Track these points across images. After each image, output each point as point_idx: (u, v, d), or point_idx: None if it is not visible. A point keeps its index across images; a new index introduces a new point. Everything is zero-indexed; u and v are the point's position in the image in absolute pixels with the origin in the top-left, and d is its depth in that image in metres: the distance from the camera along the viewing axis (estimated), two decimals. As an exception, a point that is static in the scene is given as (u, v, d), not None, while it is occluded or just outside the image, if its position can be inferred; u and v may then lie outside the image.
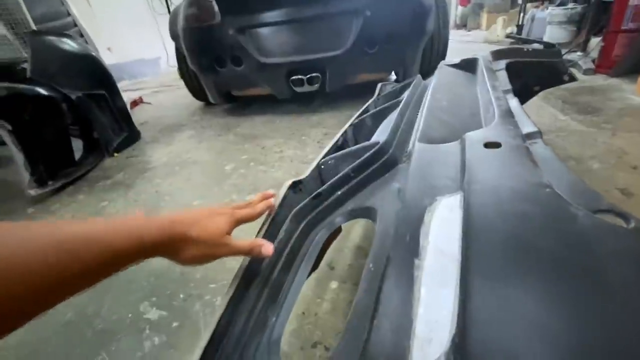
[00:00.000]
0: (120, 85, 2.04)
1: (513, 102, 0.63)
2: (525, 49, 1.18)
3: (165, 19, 5.48)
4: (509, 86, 0.76)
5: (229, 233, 0.42)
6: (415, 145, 0.52)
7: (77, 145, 1.78)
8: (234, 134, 2.03)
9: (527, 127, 0.52)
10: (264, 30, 1.90)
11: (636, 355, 0.21)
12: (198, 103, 2.86)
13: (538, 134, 0.51)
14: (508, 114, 0.54)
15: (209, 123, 2.33)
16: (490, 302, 0.26)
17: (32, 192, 1.43)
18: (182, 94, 3.30)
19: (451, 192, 0.39)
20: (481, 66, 0.91)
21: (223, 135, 2.04)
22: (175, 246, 0.37)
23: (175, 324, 0.78)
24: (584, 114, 1.67)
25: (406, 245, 0.33)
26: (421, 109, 0.70)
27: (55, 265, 0.25)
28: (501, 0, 5.08)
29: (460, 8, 6.04)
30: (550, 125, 1.59)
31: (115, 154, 1.91)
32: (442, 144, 0.50)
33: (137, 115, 2.67)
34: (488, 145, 0.44)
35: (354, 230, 1.01)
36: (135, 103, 3.08)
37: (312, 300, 0.81)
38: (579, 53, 2.64)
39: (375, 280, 0.33)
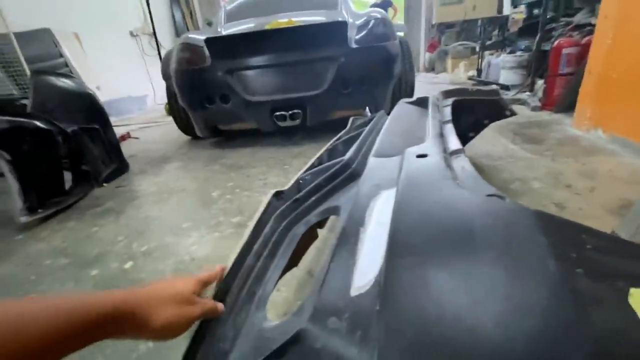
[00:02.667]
0: None
1: (447, 128, 0.81)
2: (470, 89, 1.42)
3: (153, 60, 5.77)
4: (449, 118, 0.96)
5: (195, 292, 0.40)
6: (370, 159, 0.67)
7: (67, 177, 1.85)
8: (220, 164, 2.17)
9: (453, 146, 0.69)
10: (250, 72, 2.13)
11: (511, 294, 0.35)
12: (184, 137, 3.00)
13: (461, 150, 0.68)
14: (439, 136, 0.72)
15: (196, 155, 2.46)
16: (406, 249, 0.40)
17: (23, 219, 1.48)
18: (168, 129, 3.45)
19: (390, 187, 0.54)
20: (430, 102, 1.12)
21: (209, 166, 2.17)
22: (143, 312, 0.33)
23: (168, 328, 0.85)
24: (530, 144, 1.93)
25: (356, 220, 0.48)
26: (379, 135, 0.87)
27: (16, 339, 0.25)
28: (463, 48, 5.72)
29: (427, 54, 6.71)
30: (502, 153, 1.82)
31: (105, 185, 1.98)
32: (389, 158, 0.66)
33: (125, 150, 2.76)
34: (419, 156, 0.60)
35: (329, 243, 1.14)
36: (122, 138, 3.19)
37: (293, 302, 0.91)
38: (527, 93, 3.02)
39: (333, 247, 0.46)
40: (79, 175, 1.91)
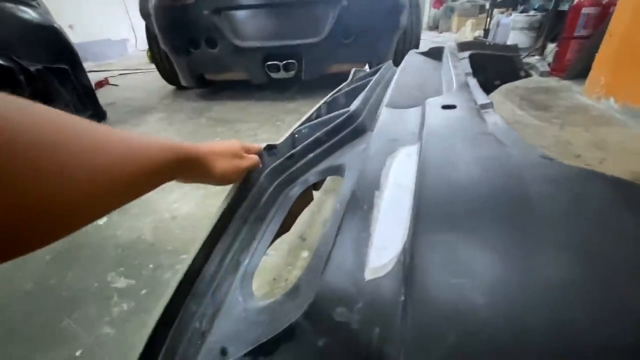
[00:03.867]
0: (84, 66, 1.94)
1: (471, 80, 0.69)
2: (488, 43, 1.27)
3: (136, 1, 5.22)
4: (469, 70, 0.83)
5: (243, 149, 0.47)
6: (383, 110, 0.56)
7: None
8: (207, 118, 2.00)
9: (480, 99, 0.58)
10: (240, 13, 1.89)
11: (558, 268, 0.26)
12: (169, 87, 2.77)
13: (490, 104, 0.57)
14: (465, 86, 0.60)
15: (181, 107, 2.27)
16: (435, 216, 0.30)
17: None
18: (151, 77, 3.18)
19: (411, 143, 0.44)
20: (446, 54, 0.98)
21: (195, 119, 2.00)
22: (206, 160, 0.38)
23: (144, 291, 0.78)
24: (538, 110, 1.82)
25: (369, 182, 0.37)
26: (390, 84, 0.75)
27: (104, 173, 0.23)
28: (471, 6, 5.33)
29: (433, 10, 6.27)
30: (509, 118, 1.72)
31: (79, 133, 1.81)
32: (406, 109, 0.55)
33: (103, 97, 2.54)
34: (445, 107, 0.49)
35: (326, 205, 1.05)
36: (100, 84, 2.93)
37: (284, 268, 0.83)
38: (536, 57, 2.85)
39: (340, 212, 0.36)
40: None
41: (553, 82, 2.42)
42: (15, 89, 1.48)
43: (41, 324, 0.71)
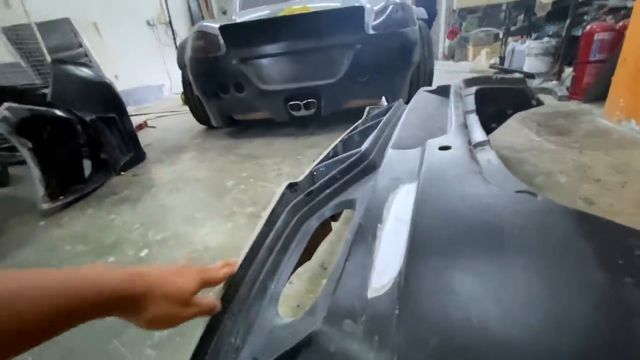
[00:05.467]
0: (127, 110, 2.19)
1: (471, 118, 0.76)
2: (494, 78, 1.34)
3: (170, 49, 5.81)
4: (472, 107, 0.90)
5: (195, 293, 0.38)
6: (388, 151, 0.64)
7: (86, 165, 1.89)
8: (234, 154, 2.17)
9: (478, 137, 0.65)
10: (264, 61, 2.09)
11: (532, 291, 0.32)
12: (200, 127, 3.02)
13: (486, 142, 0.64)
14: (463, 126, 0.67)
15: (211, 145, 2.47)
16: (426, 246, 0.37)
17: (45, 205, 1.52)
18: (184, 119, 3.48)
19: (410, 181, 0.51)
20: (452, 92, 1.06)
21: (224, 156, 2.17)
22: (137, 303, 0.33)
23: (181, 317, 0.86)
24: (556, 135, 1.83)
25: (373, 215, 0.45)
26: (397, 125, 0.83)
27: (10, 315, 0.25)
28: (485, 35, 5.47)
29: (447, 41, 6.47)
30: (526, 144, 1.74)
31: (122, 173, 2.02)
32: (409, 150, 0.63)
33: (142, 138, 2.80)
34: (441, 148, 0.57)
35: (344, 235, 1.11)
36: (139, 127, 3.24)
37: (306, 295, 0.89)
38: (554, 81, 2.87)
39: (349, 243, 0.44)
40: (98, 164, 1.95)
41: (572, 105, 2.41)
42: (73, 136, 1.71)
43: (94, 344, 0.80)
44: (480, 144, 0.64)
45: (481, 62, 4.92)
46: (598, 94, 2.27)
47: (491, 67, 4.52)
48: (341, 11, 2.04)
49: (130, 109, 3.29)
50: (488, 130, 1.63)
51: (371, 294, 0.34)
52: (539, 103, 1.46)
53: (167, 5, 4.73)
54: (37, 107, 1.53)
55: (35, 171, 1.50)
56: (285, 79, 2.12)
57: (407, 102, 2.17)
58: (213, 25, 2.16)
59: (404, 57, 2.16)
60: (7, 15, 3.66)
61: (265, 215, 0.62)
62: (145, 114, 4.04)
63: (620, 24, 2.35)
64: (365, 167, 0.69)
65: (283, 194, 0.66)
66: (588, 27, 2.43)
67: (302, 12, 2.01)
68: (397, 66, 2.17)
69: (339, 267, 0.40)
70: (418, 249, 0.37)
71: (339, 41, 2.02)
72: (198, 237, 1.22)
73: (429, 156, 0.55)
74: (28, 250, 1.27)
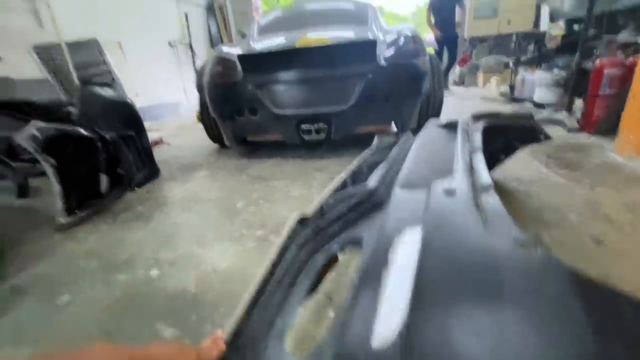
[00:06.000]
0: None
1: (477, 158, 0.79)
2: (501, 114, 1.37)
3: (188, 68, 6.04)
4: (479, 145, 0.93)
5: None
6: (395, 190, 0.67)
7: (102, 179, 1.96)
8: (246, 175, 2.22)
9: (483, 180, 0.67)
10: (279, 86, 2.18)
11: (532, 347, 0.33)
12: (213, 145, 3.10)
13: (491, 186, 0.66)
14: (468, 168, 0.70)
15: (223, 164, 2.53)
16: (430, 301, 0.39)
17: (62, 220, 1.58)
18: (198, 136, 3.58)
19: (415, 225, 0.53)
20: (459, 127, 1.09)
21: (235, 175, 2.22)
22: None
23: (187, 341, 0.88)
24: (566, 168, 1.83)
25: (379, 260, 0.47)
26: (405, 161, 0.86)
27: None
28: (495, 63, 5.56)
29: (458, 68, 6.58)
30: (534, 176, 1.74)
31: (136, 189, 2.08)
32: (415, 190, 0.65)
33: (157, 155, 2.90)
34: (446, 192, 0.59)
35: (352, 266, 1.13)
36: (155, 143, 3.34)
37: (313, 328, 0.90)
38: (564, 113, 2.88)
39: (355, 288, 0.46)
40: (114, 179, 2.02)
41: (582, 138, 2.42)
42: (94, 153, 1.79)
43: None
44: (485, 188, 0.66)
45: (491, 89, 4.98)
46: (608, 128, 2.28)
47: (501, 94, 4.57)
48: (355, 44, 2.13)
49: (147, 124, 3.41)
50: (496, 161, 1.65)
51: (376, 343, 0.36)
52: (547, 138, 1.48)
53: (188, 28, 4.97)
54: (63, 127, 1.62)
55: (56, 187, 1.56)
56: (298, 104, 2.19)
57: (417, 128, 2.23)
58: (232, 52, 2.28)
59: (413, 87, 2.22)
60: (39, 35, 3.90)
61: (274, 248, 0.65)
62: (161, 130, 4.18)
63: (630, 59, 2.38)
64: (373, 204, 0.72)
65: (292, 229, 0.69)
66: (598, 61, 2.47)
67: (318, 44, 2.10)
68: (407, 95, 2.23)
69: (344, 311, 0.42)
70: (421, 300, 0.39)
71: (351, 71, 2.10)
72: (207, 259, 1.25)
73: (433, 200, 0.58)
74: (44, 264, 1.31)
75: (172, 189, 2.07)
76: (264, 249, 1.29)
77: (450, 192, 0.59)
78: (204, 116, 2.73)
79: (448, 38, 5.20)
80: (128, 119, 2.12)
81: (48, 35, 3.87)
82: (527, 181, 1.69)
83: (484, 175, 0.70)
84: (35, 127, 1.47)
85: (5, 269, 1.28)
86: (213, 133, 2.79)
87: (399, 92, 2.19)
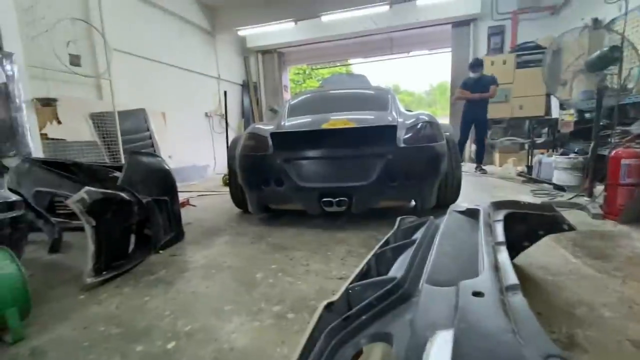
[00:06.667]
0: None
1: (502, 255, 0.82)
2: (522, 203, 1.41)
3: (219, 136, 6.55)
4: (502, 239, 0.96)
5: None
6: (424, 287, 0.69)
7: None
8: (266, 243, 2.26)
9: (509, 280, 0.69)
10: (305, 162, 2.35)
11: None
12: (235, 209, 3.22)
13: (517, 286, 0.68)
14: (494, 268, 0.72)
15: (245, 230, 2.60)
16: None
17: (89, 280, 1.63)
18: (223, 199, 3.76)
19: (446, 328, 0.55)
20: (481, 217, 1.13)
21: (256, 243, 2.27)
22: None
23: None
24: (594, 259, 1.77)
25: (412, 364, 0.48)
26: (431, 251, 0.90)
27: None
28: (510, 143, 5.77)
29: (474, 146, 6.84)
30: (561, 267, 1.69)
31: (160, 252, 2.15)
32: (444, 288, 0.68)
33: (183, 216, 3.03)
34: (475, 294, 0.61)
35: (373, 354, 1.08)
36: (182, 204, 3.51)
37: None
38: (586, 198, 2.87)
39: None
40: (141, 240, 2.11)
41: (609, 226, 2.37)
42: (130, 216, 1.91)
43: None
44: (512, 288, 0.68)
45: (509, 169, 5.10)
46: (635, 217, 2.24)
47: (519, 174, 4.64)
48: (376, 128, 2.33)
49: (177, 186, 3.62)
50: (521, 248, 1.63)
51: None
52: (571, 228, 1.48)
53: (225, 103, 5.57)
54: (108, 191, 1.77)
55: (90, 246, 1.65)
56: (322, 179, 2.33)
57: (433, 209, 2.25)
58: (265, 129, 2.53)
59: (432, 168, 2.33)
60: (98, 105, 4.47)
61: (303, 338, 0.66)
62: (189, 192, 4.41)
63: (646, 150, 2.44)
64: (400, 296, 0.74)
65: (320, 317, 0.71)
66: (613, 152, 2.54)
67: (342, 127, 2.32)
68: (425, 175, 2.33)
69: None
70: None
71: (372, 151, 2.26)
72: (224, 334, 1.23)
73: (463, 302, 0.60)
74: (65, 326, 1.33)
75: (194, 254, 2.12)
76: (283, 327, 1.27)
77: (478, 294, 0.61)
78: (231, 183, 2.91)
79: (477, 120, 5.29)
80: (165, 184, 2.30)
81: (105, 105, 4.44)
82: (554, 271, 1.63)
83: (510, 274, 0.72)
84: (85, 192, 1.63)
85: (29, 329, 1.30)
86: (238, 199, 2.93)
87: (417, 172, 2.30)
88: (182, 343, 1.19)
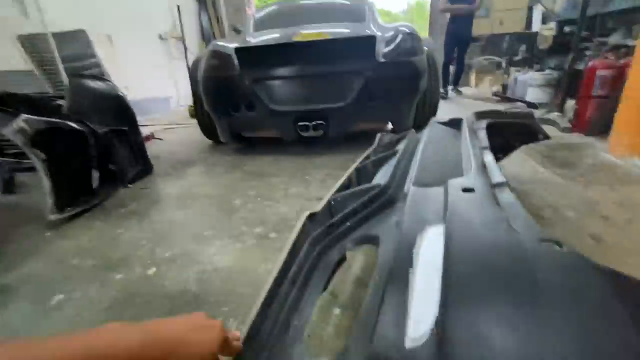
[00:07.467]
0: None
1: (488, 157, 0.78)
2: (504, 111, 1.38)
3: (179, 63, 5.91)
4: (486, 143, 0.93)
5: (216, 356, 0.38)
6: (410, 188, 0.66)
7: (94, 175, 1.90)
8: (242, 171, 2.18)
9: (496, 178, 0.67)
10: (277, 82, 2.15)
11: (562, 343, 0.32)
12: (207, 141, 3.04)
13: (505, 183, 0.65)
14: (482, 167, 0.69)
15: (219, 160, 2.49)
16: (460, 295, 0.38)
17: (53, 217, 1.52)
18: (191, 132, 3.52)
19: (437, 223, 0.52)
20: (464, 126, 1.09)
21: (232, 172, 2.18)
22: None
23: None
24: (562, 168, 1.86)
25: (403, 260, 0.46)
26: (414, 158, 0.85)
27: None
28: (488, 63, 5.62)
29: (451, 67, 6.64)
30: (531, 176, 1.76)
31: (130, 186, 2.02)
32: (431, 187, 0.64)
33: (150, 151, 2.83)
34: (465, 190, 0.58)
35: (355, 263, 1.11)
36: (147, 138, 3.26)
37: (317, 325, 0.88)
38: (557, 113, 2.93)
39: (381, 285, 0.45)
40: (106, 175, 1.96)
41: (576, 138, 2.46)
42: (85, 148, 1.73)
43: None
44: (500, 185, 0.66)
45: (484, 89, 5.04)
46: (601, 128, 2.32)
47: (494, 94, 4.63)
48: (354, 40, 2.11)
49: (137, 120, 3.33)
50: (495, 159, 1.66)
51: (409, 343, 0.35)
52: (546, 137, 1.50)
53: (180, 21, 4.86)
54: (52, 119, 1.55)
55: (46, 182, 1.50)
56: (296, 101, 2.16)
57: (413, 128, 2.22)
58: (228, 46, 2.23)
59: (411, 85, 2.21)
60: (24, 25, 3.75)
61: (286, 246, 0.63)
62: (152, 125, 4.08)
63: (622, 61, 2.43)
64: (386, 201, 0.71)
65: (304, 225, 0.67)
66: (590, 63, 2.51)
67: (317, 38, 2.07)
68: (404, 93, 2.23)
69: (371, 311, 0.41)
70: (452, 299, 0.38)
71: (350, 68, 2.09)
72: (206, 257, 1.22)
73: (453, 198, 0.57)
74: (35, 263, 1.26)
75: (166, 186, 2.02)
76: (266, 246, 1.27)
77: (468, 190, 0.58)
78: (197, 111, 2.67)
79: (461, 39, 4.95)
80: (120, 112, 2.06)
81: (33, 26, 3.72)
82: (525, 180, 1.70)
83: (496, 173, 0.70)
84: (23, 120, 1.41)
85: (-7, 268, 1.22)
86: (207, 128, 2.73)
87: (396, 90, 2.18)
88: (163, 268, 1.17)
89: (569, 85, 2.95)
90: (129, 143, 2.10)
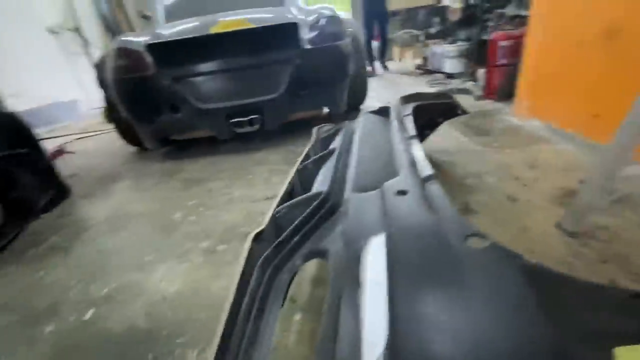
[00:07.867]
0: (36, 132, 1.85)
1: (416, 148, 0.84)
2: (425, 94, 1.47)
3: (80, 58, 5.15)
4: (414, 132, 0.99)
5: None
6: (349, 196, 0.67)
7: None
8: (177, 180, 2.03)
9: (425, 172, 0.71)
10: (201, 78, 1.99)
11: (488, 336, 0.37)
12: (131, 148, 2.75)
13: (432, 175, 0.70)
14: (412, 163, 0.74)
15: (148, 170, 2.27)
16: (405, 310, 0.41)
17: (-55, 272, 1.26)
18: (110, 139, 3.14)
19: (378, 232, 0.55)
20: (392, 115, 1.14)
21: (165, 182, 2.02)
22: None
23: (148, 385, 0.80)
24: (479, 135, 2.08)
25: (351, 281, 0.47)
26: (351, 158, 0.88)
27: None
28: (409, 37, 5.91)
29: (375, 43, 6.84)
30: (456, 146, 1.94)
31: (42, 216, 1.76)
32: (368, 193, 0.67)
33: (63, 168, 2.47)
34: (398, 192, 0.61)
35: (310, 264, 1.13)
36: (56, 154, 2.83)
37: (280, 334, 0.89)
38: (471, 82, 3.23)
39: (333, 311, 0.46)
40: (10, 209, 1.67)
41: (488, 105, 2.75)
42: (-27, 183, 1.44)
43: None
44: (428, 178, 0.71)
45: (407, 62, 5.32)
46: (507, 94, 2.63)
47: (417, 67, 4.91)
48: (275, 27, 2.03)
49: (40, 131, 2.86)
50: (423, 136, 1.79)
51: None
52: (464, 112, 1.64)
53: (73, 9, 4.18)
54: None
55: None
56: (225, 97, 2.04)
57: (345, 112, 2.25)
58: (137, 41, 1.99)
59: (340, 69, 2.23)
60: None
61: (236, 275, 0.61)
62: (60, 136, 3.55)
63: (519, 31, 2.73)
64: (328, 210, 0.72)
65: (251, 249, 0.66)
66: (492, 35, 2.78)
67: (236, 28, 1.94)
68: (334, 78, 2.24)
69: (328, 341, 0.42)
70: (399, 317, 0.40)
71: (276, 57, 2.02)
72: (152, 285, 1.13)
73: (388, 203, 0.59)
74: None
75: (90, 209, 1.80)
76: (215, 261, 1.21)
77: (401, 192, 0.61)
78: (114, 117, 2.38)
79: (378, 13, 4.99)
80: (12, 133, 1.74)
81: None
82: (451, 151, 1.87)
83: (425, 166, 0.75)
84: None
85: None
86: (128, 134, 2.45)
87: (326, 76, 2.19)
88: (103, 309, 1.06)
89: (478, 55, 3.25)
90: (32, 166, 1.80)
